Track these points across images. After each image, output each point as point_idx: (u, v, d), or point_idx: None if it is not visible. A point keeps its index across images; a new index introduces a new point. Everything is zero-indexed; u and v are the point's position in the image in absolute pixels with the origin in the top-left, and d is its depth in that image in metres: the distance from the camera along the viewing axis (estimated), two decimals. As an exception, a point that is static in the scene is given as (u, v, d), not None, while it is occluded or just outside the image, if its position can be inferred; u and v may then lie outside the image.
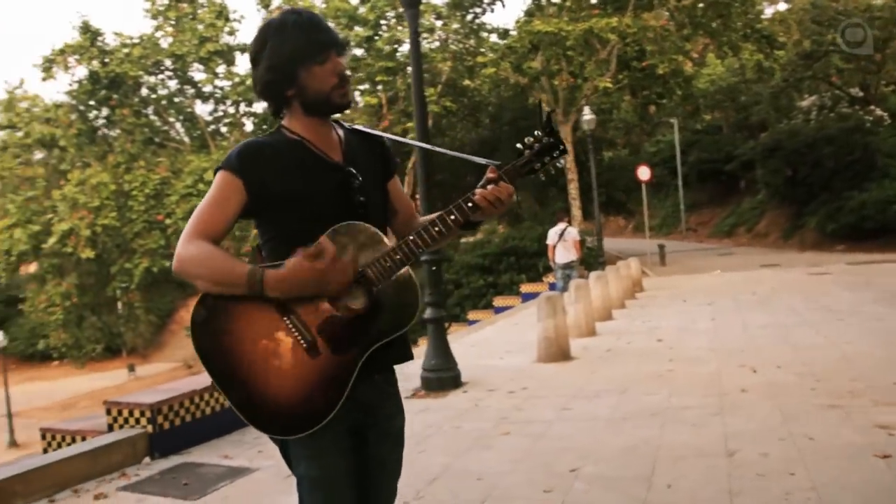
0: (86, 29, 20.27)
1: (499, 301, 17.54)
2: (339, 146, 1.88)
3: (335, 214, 1.76)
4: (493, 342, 9.88)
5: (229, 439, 5.33)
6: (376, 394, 1.86)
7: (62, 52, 20.48)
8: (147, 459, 4.87)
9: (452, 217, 1.75)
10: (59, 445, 5.49)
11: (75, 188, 20.27)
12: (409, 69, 22.50)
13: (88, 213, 20.20)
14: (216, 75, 22.75)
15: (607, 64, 20.97)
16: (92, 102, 21.53)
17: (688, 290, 14.17)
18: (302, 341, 1.70)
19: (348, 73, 1.83)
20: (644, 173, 24.44)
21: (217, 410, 5.44)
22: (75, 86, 20.91)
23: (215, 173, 1.82)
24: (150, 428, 4.95)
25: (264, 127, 25.88)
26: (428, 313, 6.93)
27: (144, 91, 22.47)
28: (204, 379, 5.68)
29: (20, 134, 22.65)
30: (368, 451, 1.87)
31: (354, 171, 1.84)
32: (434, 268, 7.00)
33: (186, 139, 24.70)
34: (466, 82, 23.27)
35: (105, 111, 21.96)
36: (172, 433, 5.07)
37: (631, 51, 22.45)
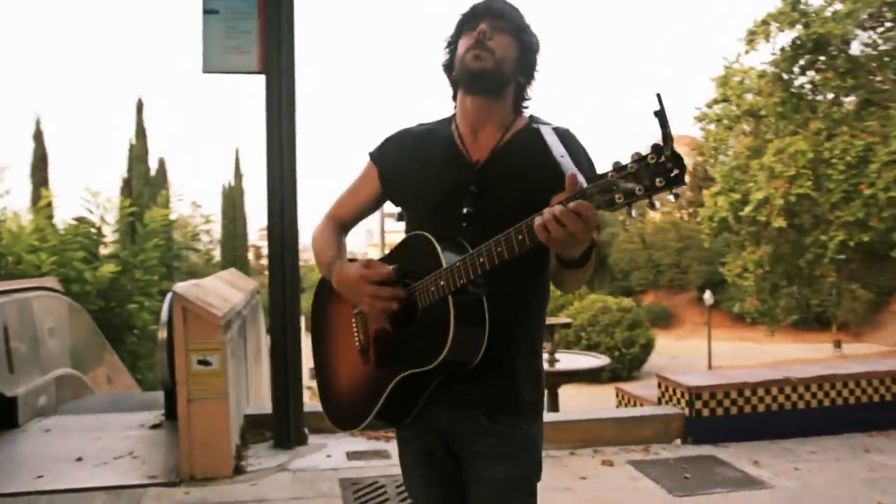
0: (788, -7, 19.89)
1: None
2: (496, 141, 1.64)
3: (440, 220, 1.60)
4: None
5: (778, 445, 4.76)
6: (459, 424, 1.63)
7: (764, 22, 20.58)
8: (678, 442, 4.78)
9: (499, 249, 1.39)
10: (627, 404, 5.86)
11: (773, 157, 20.28)
12: None
13: (784, 182, 20.02)
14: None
15: None
16: (795, 69, 21.12)
17: None
18: (358, 343, 1.68)
19: (489, 34, 1.59)
20: None
21: (772, 410, 4.91)
22: (776, 55, 20.82)
23: None
24: (686, 411, 4.83)
25: None
26: None
27: (856, 49, 20.74)
28: (760, 374, 5.21)
29: (733, 107, 23.89)
30: (468, 490, 1.67)
31: (491, 173, 1.61)
32: None
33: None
34: None
35: (809, 76, 21.26)
36: (711, 421, 4.82)
37: None
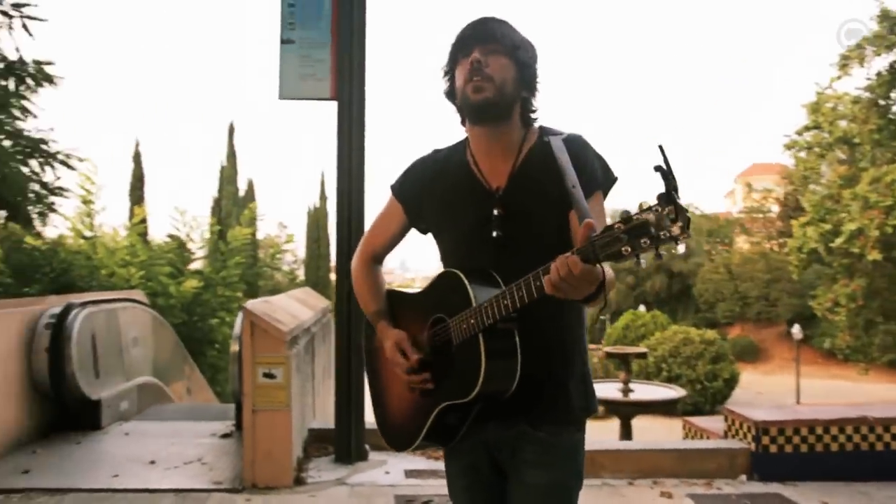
0: (884, 17, 19.02)
1: None
2: (511, 164, 1.67)
3: (472, 246, 1.67)
4: None
5: (852, 487, 4.54)
6: (511, 434, 1.67)
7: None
8: (743, 478, 4.63)
9: (520, 294, 1.44)
10: (694, 436, 5.71)
11: (868, 186, 19.40)
12: None
13: (879, 213, 19.10)
14: None
15: None
16: (892, 95, 20.17)
17: None
18: None
19: (485, 62, 1.60)
20: None
21: (846, 449, 4.69)
22: (872, 80, 19.96)
23: None
24: (752, 446, 4.68)
25: None
26: None
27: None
28: (834, 411, 5.00)
29: (825, 134, 23.02)
30: (510, 498, 1.72)
31: (512, 198, 1.64)
32: None
33: None
34: None
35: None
36: (779, 458, 4.65)
37: None
